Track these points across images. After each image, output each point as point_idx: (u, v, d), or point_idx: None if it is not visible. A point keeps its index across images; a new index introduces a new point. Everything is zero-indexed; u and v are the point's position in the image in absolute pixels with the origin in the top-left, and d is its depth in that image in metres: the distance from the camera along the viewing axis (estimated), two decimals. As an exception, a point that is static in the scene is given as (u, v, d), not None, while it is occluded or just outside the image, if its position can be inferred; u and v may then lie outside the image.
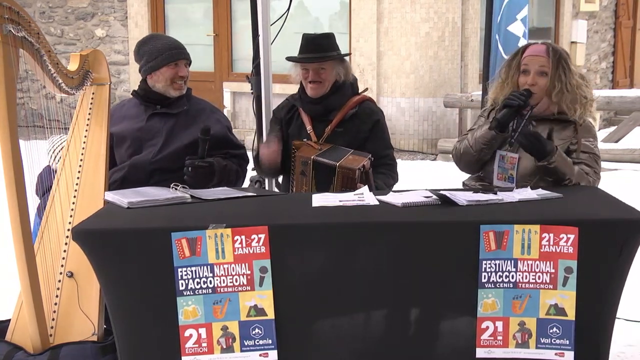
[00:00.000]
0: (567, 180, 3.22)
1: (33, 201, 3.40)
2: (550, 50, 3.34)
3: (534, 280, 2.68)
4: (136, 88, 3.86)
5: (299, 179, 3.68)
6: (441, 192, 2.90)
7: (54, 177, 3.44)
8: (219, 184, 3.54)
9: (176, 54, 3.74)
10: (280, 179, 4.05)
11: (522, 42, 5.29)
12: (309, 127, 3.82)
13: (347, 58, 3.95)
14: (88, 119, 3.51)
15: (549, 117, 3.34)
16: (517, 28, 5.15)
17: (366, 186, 3.25)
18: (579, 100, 3.32)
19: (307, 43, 3.81)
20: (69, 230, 3.21)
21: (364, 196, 3.01)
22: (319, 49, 3.78)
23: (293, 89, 4.03)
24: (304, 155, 3.65)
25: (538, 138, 3.21)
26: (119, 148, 3.76)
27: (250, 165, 3.95)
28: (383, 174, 3.74)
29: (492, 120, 3.34)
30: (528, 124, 3.26)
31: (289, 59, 3.85)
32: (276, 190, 4.16)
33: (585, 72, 11.95)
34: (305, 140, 3.78)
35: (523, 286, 2.68)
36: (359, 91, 3.95)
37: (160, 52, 3.71)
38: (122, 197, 2.96)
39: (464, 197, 2.85)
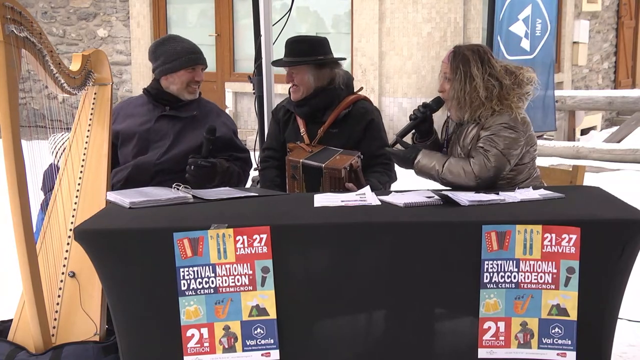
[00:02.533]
0: (437, 171, 3.22)
1: (37, 197, 3.40)
2: (451, 56, 3.33)
3: (536, 281, 2.68)
4: (139, 89, 3.86)
5: (290, 182, 3.69)
6: (443, 192, 2.91)
7: (57, 176, 3.45)
8: (220, 185, 3.54)
9: (195, 58, 3.75)
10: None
11: (524, 42, 5.30)
12: (302, 129, 3.81)
13: (343, 64, 3.92)
14: (90, 119, 3.51)
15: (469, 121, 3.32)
16: (519, 28, 5.15)
17: (368, 186, 3.25)
18: (473, 100, 3.25)
19: (286, 46, 3.84)
20: (71, 230, 3.21)
21: (366, 196, 3.01)
22: (294, 53, 3.78)
23: (295, 89, 4.03)
24: (293, 159, 3.65)
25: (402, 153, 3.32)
26: (123, 147, 3.75)
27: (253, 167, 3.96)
28: (377, 172, 3.71)
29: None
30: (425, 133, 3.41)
31: (272, 63, 3.94)
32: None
33: (588, 72, 11.96)
34: (298, 142, 3.78)
35: (525, 286, 2.68)
36: (354, 91, 3.93)
37: (180, 55, 3.71)
38: (124, 197, 2.96)
39: (466, 198, 2.85)
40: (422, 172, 3.29)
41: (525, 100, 3.32)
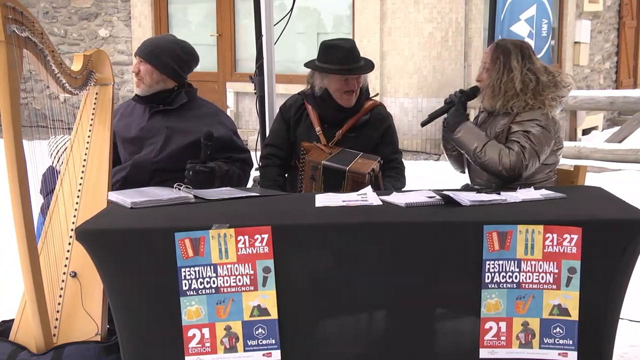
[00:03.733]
0: (475, 148, 3.27)
1: (37, 200, 3.40)
2: (493, 47, 3.39)
3: (537, 281, 2.68)
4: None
5: (308, 183, 3.66)
6: (444, 192, 2.90)
7: (57, 178, 3.44)
8: (221, 187, 3.54)
9: (140, 49, 3.75)
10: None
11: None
12: (318, 129, 3.80)
13: None
14: (91, 119, 3.51)
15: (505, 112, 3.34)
16: (522, 28, 5.15)
17: (369, 186, 3.24)
18: (508, 90, 3.29)
19: (343, 53, 3.72)
20: (72, 230, 3.21)
21: (367, 196, 3.00)
22: (357, 59, 3.76)
23: (296, 89, 4.02)
24: (313, 160, 3.63)
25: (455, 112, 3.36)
26: (122, 147, 3.76)
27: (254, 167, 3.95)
28: (391, 177, 3.74)
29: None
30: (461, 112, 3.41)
31: (329, 70, 3.71)
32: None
33: (589, 72, 11.94)
34: (314, 142, 3.76)
35: (526, 286, 2.68)
36: (370, 96, 3.94)
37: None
38: (126, 197, 2.96)
39: (467, 198, 2.85)
40: (459, 143, 3.33)
41: (560, 104, 3.34)
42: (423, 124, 3.55)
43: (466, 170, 3.61)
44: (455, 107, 3.42)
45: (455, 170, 3.72)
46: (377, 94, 4.05)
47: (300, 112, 3.88)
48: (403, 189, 3.59)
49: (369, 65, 3.82)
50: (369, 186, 3.37)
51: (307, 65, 3.83)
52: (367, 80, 3.91)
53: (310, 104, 3.84)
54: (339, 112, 3.78)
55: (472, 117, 3.56)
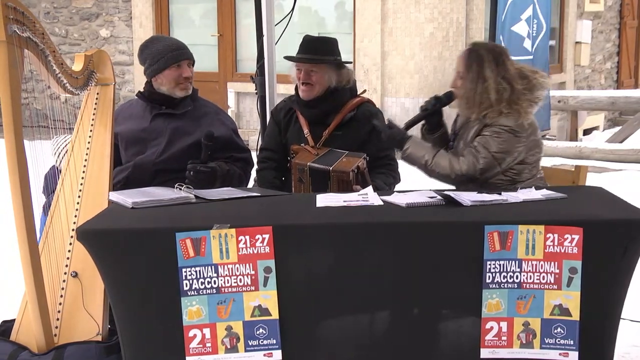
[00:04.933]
0: (425, 161, 3.27)
1: (39, 200, 3.40)
2: (467, 54, 3.33)
3: (538, 281, 2.68)
4: (141, 89, 3.86)
5: (297, 185, 3.68)
6: (445, 192, 2.90)
7: (59, 177, 3.44)
8: (222, 187, 3.54)
9: (178, 55, 3.72)
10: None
11: (527, 42, 5.29)
12: (306, 131, 3.81)
13: (350, 66, 3.92)
14: (92, 119, 3.51)
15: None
16: (522, 28, 5.15)
17: (370, 187, 3.25)
18: (483, 101, 3.24)
19: (304, 44, 3.80)
20: (73, 230, 3.21)
21: (368, 196, 3.00)
22: (314, 51, 3.76)
23: (297, 89, 4.02)
24: (300, 162, 3.65)
25: (391, 132, 3.35)
26: (124, 148, 3.76)
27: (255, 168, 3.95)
28: (382, 174, 3.73)
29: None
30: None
31: (285, 57, 3.85)
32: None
33: (590, 72, 11.94)
34: (302, 144, 3.77)
35: (527, 286, 2.68)
36: (358, 93, 3.92)
37: (162, 54, 3.70)
38: (127, 197, 2.96)
39: (468, 198, 2.85)
40: (410, 160, 3.33)
41: (536, 105, 3.31)
42: (404, 132, 3.45)
43: None
44: (418, 116, 3.42)
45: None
46: (364, 91, 4.00)
47: (290, 115, 3.90)
48: (405, 190, 3.58)
49: (325, 60, 3.75)
50: (361, 186, 3.38)
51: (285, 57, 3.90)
52: (354, 78, 3.90)
53: (294, 107, 3.86)
54: (316, 109, 3.78)
55: (450, 121, 3.53)
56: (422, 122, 3.49)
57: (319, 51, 3.76)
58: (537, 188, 3.08)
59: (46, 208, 3.56)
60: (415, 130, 3.48)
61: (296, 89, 3.87)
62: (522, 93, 3.24)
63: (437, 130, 3.48)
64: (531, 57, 5.55)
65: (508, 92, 3.22)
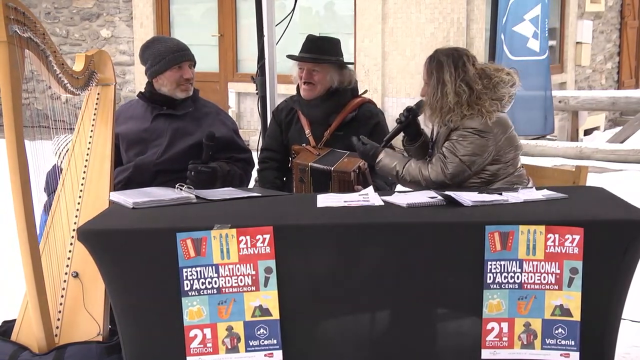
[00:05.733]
0: (397, 172, 3.31)
1: (40, 199, 3.41)
2: (428, 60, 3.35)
3: (539, 281, 2.67)
4: (142, 89, 3.87)
5: (298, 185, 3.68)
6: (446, 192, 2.90)
7: (59, 177, 3.45)
8: (222, 187, 3.54)
9: (179, 56, 3.72)
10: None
11: (532, 43, 5.28)
12: (307, 131, 3.81)
13: (351, 67, 3.92)
14: (93, 120, 3.51)
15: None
16: (526, 28, 5.13)
17: (371, 187, 3.25)
18: (443, 106, 3.25)
19: (307, 43, 3.81)
20: (74, 230, 3.21)
21: (369, 197, 3.00)
22: (317, 50, 3.76)
23: (297, 89, 4.02)
24: (301, 162, 3.65)
25: (364, 148, 3.39)
26: (124, 148, 3.76)
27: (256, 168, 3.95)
28: None
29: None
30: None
31: (288, 56, 3.85)
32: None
33: (591, 72, 11.93)
34: (304, 145, 3.77)
35: (528, 287, 2.68)
36: (359, 93, 3.93)
37: (163, 55, 3.70)
38: (127, 198, 2.96)
39: (469, 198, 2.85)
40: (384, 171, 3.39)
41: (502, 103, 3.30)
42: (382, 148, 3.48)
43: None
44: (395, 130, 3.45)
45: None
46: (365, 91, 4.01)
47: (291, 115, 3.90)
48: (406, 190, 3.58)
49: (328, 60, 3.76)
50: (362, 186, 3.39)
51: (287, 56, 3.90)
52: (356, 78, 3.90)
53: (296, 107, 3.86)
54: (318, 109, 3.77)
55: (428, 130, 3.54)
56: (402, 134, 3.50)
57: (321, 51, 3.77)
58: (538, 188, 3.08)
59: (47, 207, 3.56)
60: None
61: (297, 88, 3.87)
62: (482, 93, 3.25)
63: (417, 139, 3.50)
64: (540, 57, 5.45)
65: (467, 94, 3.23)
